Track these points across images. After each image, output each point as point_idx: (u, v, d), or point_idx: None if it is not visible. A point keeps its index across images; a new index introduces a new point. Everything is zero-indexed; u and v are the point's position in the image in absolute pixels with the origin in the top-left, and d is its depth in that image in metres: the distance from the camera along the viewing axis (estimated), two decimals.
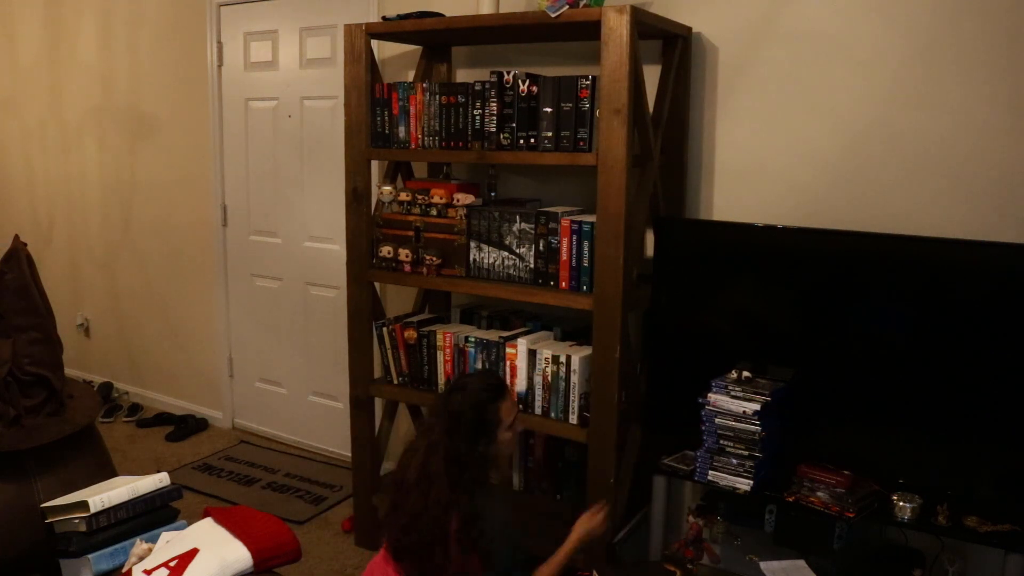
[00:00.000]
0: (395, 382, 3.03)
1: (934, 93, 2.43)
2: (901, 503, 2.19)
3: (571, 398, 2.62)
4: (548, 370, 2.65)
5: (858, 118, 2.55)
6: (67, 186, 4.95)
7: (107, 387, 4.80)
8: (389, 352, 3.01)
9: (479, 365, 2.79)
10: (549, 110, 2.55)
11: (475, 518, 2.04)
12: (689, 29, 2.73)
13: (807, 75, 2.61)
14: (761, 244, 2.52)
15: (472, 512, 2.04)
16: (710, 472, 2.41)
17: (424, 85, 2.80)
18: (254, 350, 4.30)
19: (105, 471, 2.48)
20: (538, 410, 2.69)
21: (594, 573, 2.40)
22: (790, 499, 2.31)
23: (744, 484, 2.35)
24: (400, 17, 2.89)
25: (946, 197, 2.44)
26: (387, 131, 2.90)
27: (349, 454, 3.26)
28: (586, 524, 2.31)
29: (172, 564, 1.87)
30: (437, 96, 2.77)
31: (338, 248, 3.71)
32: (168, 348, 4.66)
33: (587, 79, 2.48)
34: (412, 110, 2.83)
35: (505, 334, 2.80)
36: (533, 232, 2.67)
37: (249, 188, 4.15)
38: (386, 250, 2.92)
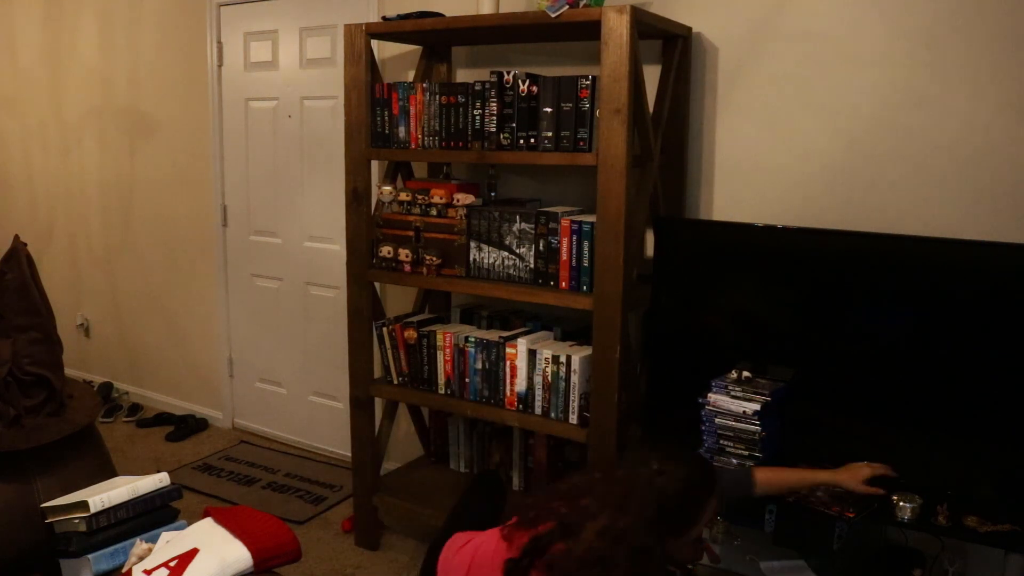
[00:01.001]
0: (395, 382, 3.03)
1: (934, 93, 2.43)
2: (901, 503, 2.19)
3: (571, 398, 2.62)
4: (548, 370, 2.65)
5: (858, 118, 2.55)
6: (67, 186, 4.95)
7: (107, 387, 4.80)
8: (389, 352, 3.01)
9: (479, 365, 2.79)
10: (549, 110, 2.55)
11: None
12: (689, 29, 2.73)
13: (807, 75, 2.61)
14: (761, 244, 2.52)
15: None
16: None
17: (424, 85, 2.80)
18: (254, 350, 4.30)
19: (105, 471, 2.48)
20: (538, 410, 2.69)
21: None
22: (790, 499, 2.31)
23: None
24: (400, 17, 2.89)
25: (946, 197, 2.44)
26: (387, 131, 2.90)
27: (349, 454, 3.26)
28: (852, 475, 2.14)
29: (172, 564, 1.87)
30: (437, 96, 2.77)
31: (338, 248, 3.71)
32: (168, 348, 4.66)
33: (587, 79, 2.48)
34: (412, 110, 2.83)
35: (505, 334, 2.80)
36: (533, 232, 2.67)
37: (249, 188, 4.15)
38: (386, 250, 2.92)
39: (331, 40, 3.73)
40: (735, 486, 2.15)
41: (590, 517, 1.76)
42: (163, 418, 4.50)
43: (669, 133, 2.73)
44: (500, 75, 2.63)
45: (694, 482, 1.84)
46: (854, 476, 2.19)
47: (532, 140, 2.59)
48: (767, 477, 2.16)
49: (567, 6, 2.46)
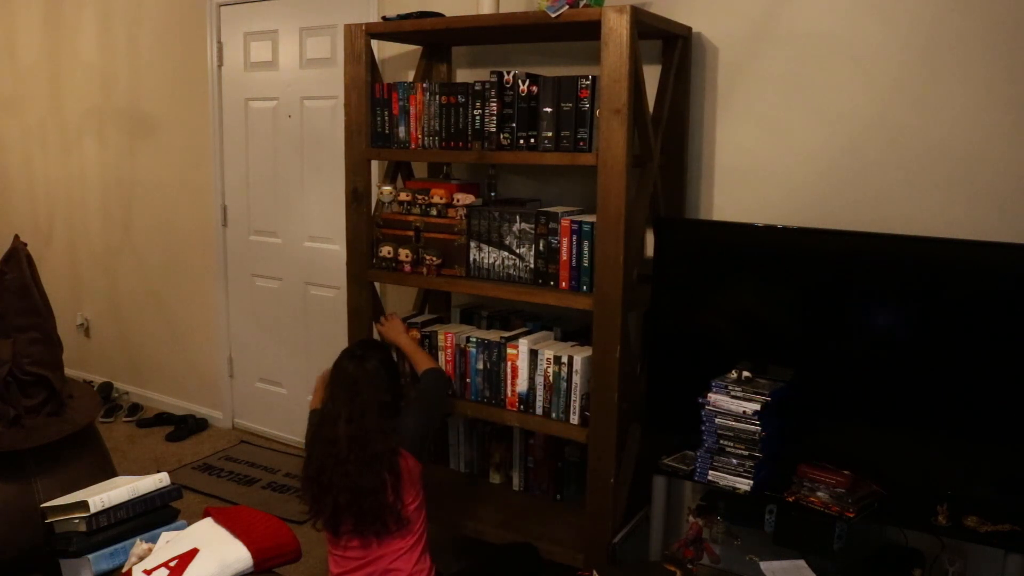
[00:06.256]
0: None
1: (934, 93, 2.43)
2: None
3: (572, 398, 2.62)
4: (550, 371, 2.65)
5: (858, 118, 2.55)
6: (67, 186, 4.95)
7: (107, 387, 4.80)
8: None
9: (480, 365, 2.79)
10: (549, 110, 2.55)
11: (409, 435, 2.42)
12: (689, 29, 2.72)
13: (807, 75, 2.61)
14: (761, 244, 2.52)
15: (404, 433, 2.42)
16: (710, 472, 2.41)
17: (424, 85, 2.80)
18: (254, 350, 4.30)
19: (105, 471, 2.48)
20: (539, 410, 2.69)
21: (594, 573, 2.40)
22: (790, 499, 2.31)
23: (744, 484, 2.35)
24: (400, 17, 2.89)
25: (946, 197, 2.44)
26: (387, 131, 2.90)
27: None
28: (392, 328, 2.84)
29: (172, 564, 1.87)
30: (437, 96, 2.77)
31: (338, 248, 3.71)
32: (168, 348, 4.66)
33: (587, 79, 2.48)
34: (412, 110, 2.83)
35: (506, 334, 2.80)
36: (533, 232, 2.67)
37: (249, 188, 4.15)
38: (386, 250, 2.92)
39: (331, 40, 3.73)
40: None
41: (336, 418, 2.38)
42: (163, 418, 4.50)
43: (669, 133, 2.73)
44: (500, 75, 2.62)
45: (379, 348, 2.63)
46: (390, 328, 2.87)
47: (532, 140, 2.59)
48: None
49: (567, 6, 2.46)
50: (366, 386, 2.40)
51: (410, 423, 2.47)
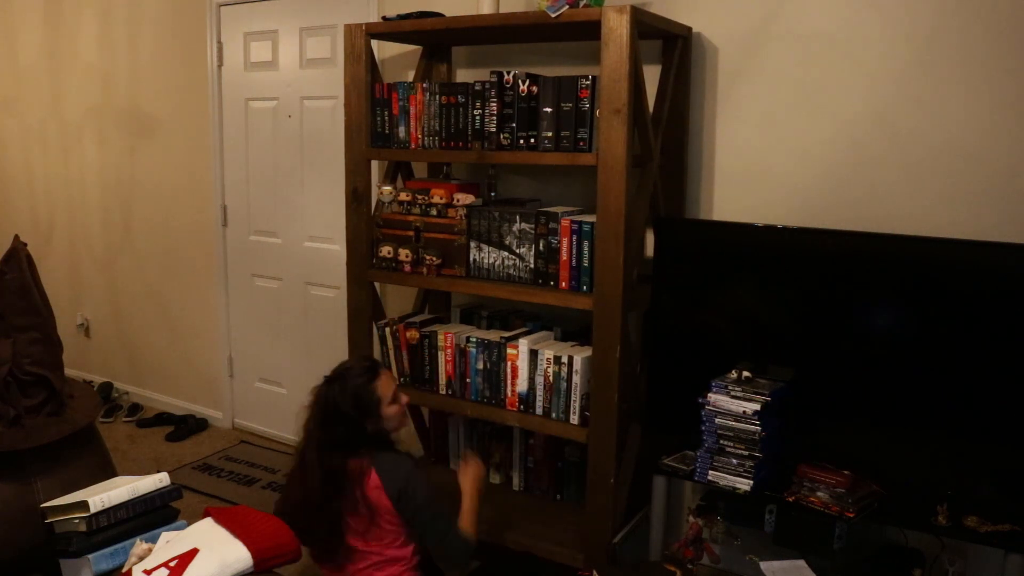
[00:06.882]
0: (396, 382, 3.03)
1: (935, 93, 2.43)
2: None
3: (572, 398, 2.62)
4: (550, 371, 2.65)
5: (858, 118, 2.55)
6: (67, 186, 4.95)
7: (107, 387, 4.80)
8: (391, 352, 3.01)
9: (480, 366, 2.79)
10: (549, 110, 2.55)
11: (403, 490, 2.27)
12: (689, 29, 2.72)
13: (807, 75, 2.61)
14: (761, 244, 2.52)
15: (396, 477, 2.28)
16: (710, 472, 2.41)
17: (424, 85, 2.80)
18: (254, 350, 4.30)
19: (105, 471, 2.48)
20: (539, 410, 2.69)
21: (594, 573, 2.40)
22: (790, 499, 2.31)
23: (744, 484, 2.35)
24: (400, 17, 2.89)
25: (946, 197, 2.44)
26: (387, 131, 2.90)
27: None
28: (468, 474, 2.54)
29: (172, 564, 1.87)
30: (437, 96, 2.76)
31: (338, 248, 3.71)
32: (168, 348, 4.66)
33: (587, 79, 2.48)
34: (412, 110, 2.83)
35: (506, 334, 2.80)
36: (533, 232, 2.67)
37: (249, 188, 4.15)
38: (386, 250, 2.92)
39: (331, 40, 3.73)
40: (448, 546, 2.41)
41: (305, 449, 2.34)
42: (163, 418, 4.50)
43: (669, 133, 2.73)
44: (500, 75, 2.62)
45: (353, 375, 2.36)
46: (467, 474, 2.55)
47: (532, 140, 2.59)
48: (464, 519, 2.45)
49: (567, 6, 2.46)
50: (320, 409, 2.35)
51: (421, 503, 2.31)
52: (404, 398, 2.45)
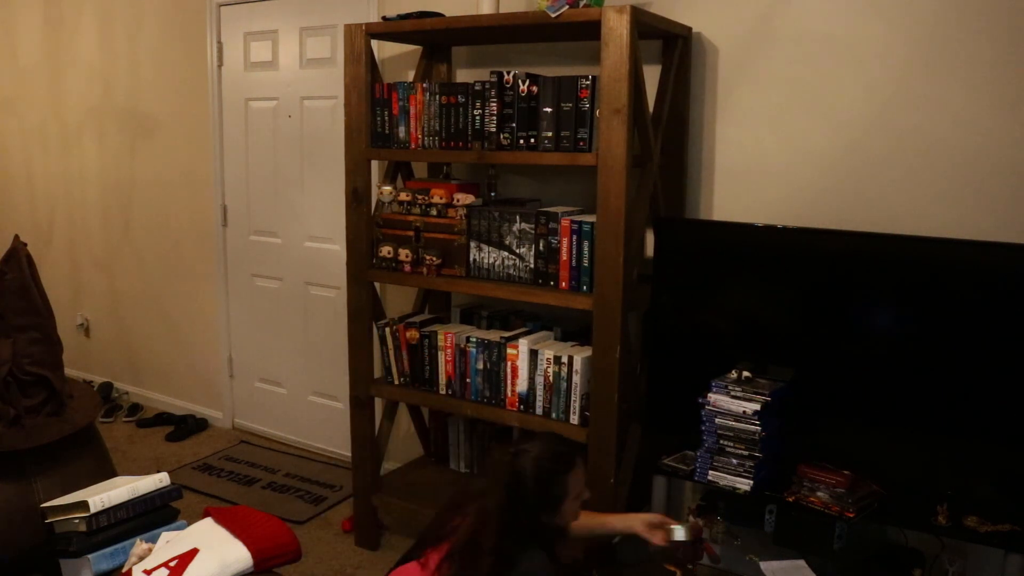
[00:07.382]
0: (396, 382, 3.03)
1: (934, 93, 2.43)
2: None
3: (572, 398, 2.62)
4: (550, 371, 2.65)
5: (858, 118, 2.55)
6: (67, 186, 4.95)
7: (107, 387, 4.80)
8: (391, 352, 3.01)
9: (480, 366, 2.79)
10: (549, 110, 2.55)
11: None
12: (689, 29, 2.72)
13: (807, 75, 2.61)
14: (761, 244, 2.52)
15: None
16: (710, 472, 2.41)
17: (424, 85, 2.80)
18: (254, 350, 4.30)
19: (105, 471, 2.48)
20: (539, 410, 2.69)
21: (594, 573, 2.40)
22: (790, 499, 2.31)
23: (744, 484, 2.35)
24: (400, 17, 2.89)
25: (946, 197, 2.44)
26: (387, 131, 2.90)
27: (349, 454, 3.26)
28: (638, 523, 2.20)
29: (172, 564, 1.87)
30: (437, 96, 2.77)
31: (338, 248, 3.71)
32: (168, 348, 4.66)
33: (587, 79, 2.48)
34: (412, 110, 2.83)
35: (506, 334, 2.80)
36: (533, 232, 2.67)
37: (249, 188, 4.15)
38: (386, 250, 2.92)
39: (331, 40, 3.73)
40: None
41: (456, 518, 1.97)
42: (163, 418, 4.50)
43: (669, 133, 2.73)
44: (500, 75, 2.62)
45: (547, 457, 1.99)
46: (641, 519, 2.22)
47: (532, 140, 2.59)
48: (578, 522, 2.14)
49: (567, 6, 2.46)
50: (506, 489, 1.96)
51: None
52: (587, 494, 2.11)
